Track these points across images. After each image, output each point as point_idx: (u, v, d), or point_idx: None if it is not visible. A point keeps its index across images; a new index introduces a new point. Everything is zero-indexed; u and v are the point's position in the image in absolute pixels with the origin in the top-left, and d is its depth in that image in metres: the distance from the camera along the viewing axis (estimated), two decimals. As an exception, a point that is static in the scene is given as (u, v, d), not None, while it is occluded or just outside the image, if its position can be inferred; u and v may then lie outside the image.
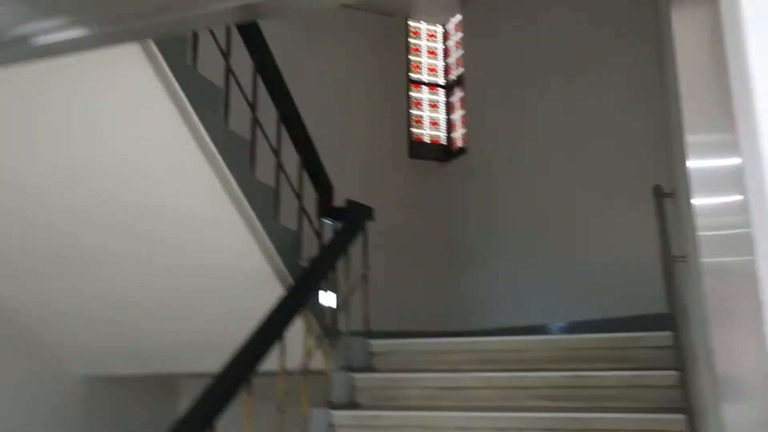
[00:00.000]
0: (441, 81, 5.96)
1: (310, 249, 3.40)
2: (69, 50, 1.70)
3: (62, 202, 2.91)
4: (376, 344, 3.38)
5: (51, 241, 3.11)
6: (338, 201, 3.57)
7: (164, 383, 4.22)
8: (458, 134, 5.79)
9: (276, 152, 3.23)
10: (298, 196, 3.39)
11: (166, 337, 3.56)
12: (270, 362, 2.68)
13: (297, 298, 2.87)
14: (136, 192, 2.80)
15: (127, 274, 3.22)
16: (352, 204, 3.55)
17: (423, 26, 5.99)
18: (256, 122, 3.09)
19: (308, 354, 2.95)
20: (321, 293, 3.28)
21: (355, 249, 3.48)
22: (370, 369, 3.29)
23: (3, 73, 2.15)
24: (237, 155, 2.82)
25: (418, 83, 5.80)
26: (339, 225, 3.50)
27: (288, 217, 3.30)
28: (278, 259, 3.06)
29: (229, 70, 2.95)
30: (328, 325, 3.25)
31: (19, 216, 3.01)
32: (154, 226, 2.97)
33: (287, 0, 1.45)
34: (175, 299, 3.29)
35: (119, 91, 2.45)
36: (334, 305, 3.41)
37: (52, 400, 3.73)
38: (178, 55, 2.49)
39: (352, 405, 3.10)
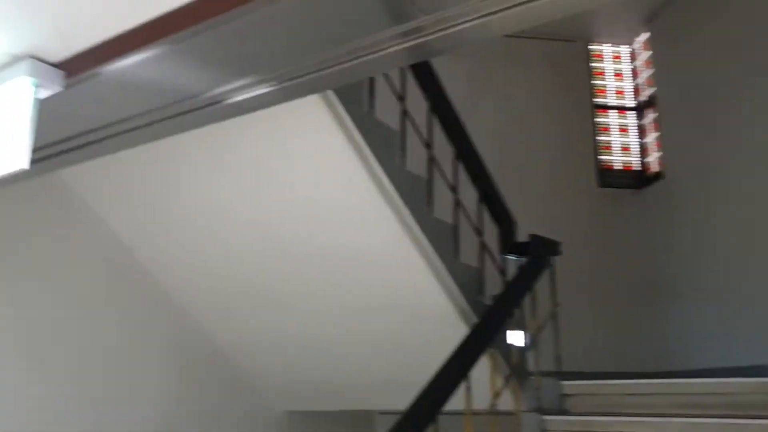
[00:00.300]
0: (630, 103, 5.65)
1: (493, 287, 3.34)
2: (255, 107, 1.84)
3: (260, 249, 3.13)
4: (569, 385, 3.21)
5: (254, 286, 3.35)
6: (522, 236, 3.48)
7: (361, 419, 4.32)
8: (653, 158, 5.43)
9: (454, 189, 3.23)
10: (479, 232, 3.35)
11: (357, 375, 3.65)
12: (456, 402, 2.64)
13: (481, 336, 2.82)
14: (321, 236, 2.94)
15: (319, 315, 3.37)
16: (536, 238, 3.44)
17: (606, 48, 5.75)
18: (432, 161, 3.12)
19: (496, 394, 2.87)
20: (507, 332, 3.19)
21: (542, 285, 3.36)
22: (562, 411, 3.12)
23: (198, 132, 2.37)
24: (415, 195, 2.86)
25: (604, 108, 5.55)
26: (523, 261, 3.40)
27: (469, 255, 3.27)
28: (460, 297, 3.04)
29: (404, 112, 3.02)
30: (516, 365, 3.15)
31: (224, 264, 3.29)
32: (339, 268, 3.08)
33: (451, 35, 1.44)
34: (363, 339, 3.38)
35: (302, 140, 2.60)
36: (522, 344, 3.31)
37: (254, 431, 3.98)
38: (355, 102, 2.60)
39: (544, 449, 2.96)
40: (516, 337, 3.28)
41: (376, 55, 1.53)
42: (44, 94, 1.43)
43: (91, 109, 1.64)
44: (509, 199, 3.68)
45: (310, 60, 1.55)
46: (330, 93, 2.46)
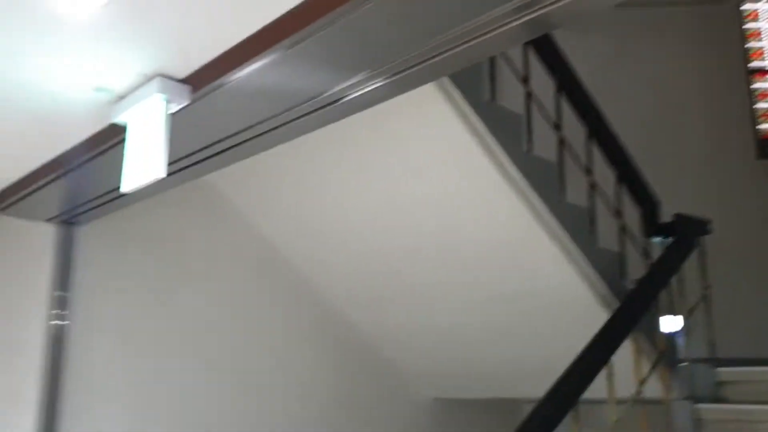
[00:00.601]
0: (793, 65, 5.16)
1: (637, 272, 3.19)
2: (373, 102, 1.90)
3: (396, 242, 3.21)
4: (725, 372, 3.01)
5: (395, 277, 3.44)
6: (669, 216, 3.30)
7: (507, 407, 4.30)
8: (821, 123, 4.93)
9: (588, 171, 3.12)
10: (618, 214, 3.22)
11: (501, 364, 3.64)
12: (600, 389, 2.57)
13: (623, 321, 2.72)
14: (453, 227, 2.96)
15: (460, 304, 3.40)
16: (682, 218, 3.26)
17: (762, 7, 5.27)
18: (562, 143, 3.04)
19: (641, 381, 2.75)
20: (653, 316, 3.05)
21: (693, 267, 3.19)
22: (718, 399, 2.93)
23: (328, 132, 2.47)
24: (544, 180, 2.80)
25: (762, 71, 5.10)
26: (668, 242, 3.23)
27: (610, 239, 3.16)
28: (600, 283, 2.94)
29: (529, 95, 2.96)
30: (664, 351, 3.00)
31: (365, 257, 3.41)
32: (474, 258, 3.09)
33: (566, 6, 1.41)
34: (503, 327, 3.36)
35: (423, 132, 2.64)
36: (670, 329, 3.14)
37: (406, 419, 4.08)
38: (475, 90, 2.59)
39: (698, 439, 2.80)
40: (664, 322, 3.13)
41: (489, 36, 1.52)
42: (174, 108, 1.58)
43: (217, 119, 1.78)
44: (656, 179, 3.51)
45: (421, 47, 1.57)
46: (448, 83, 2.48)
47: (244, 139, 1.89)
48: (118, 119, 1.71)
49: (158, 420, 3.13)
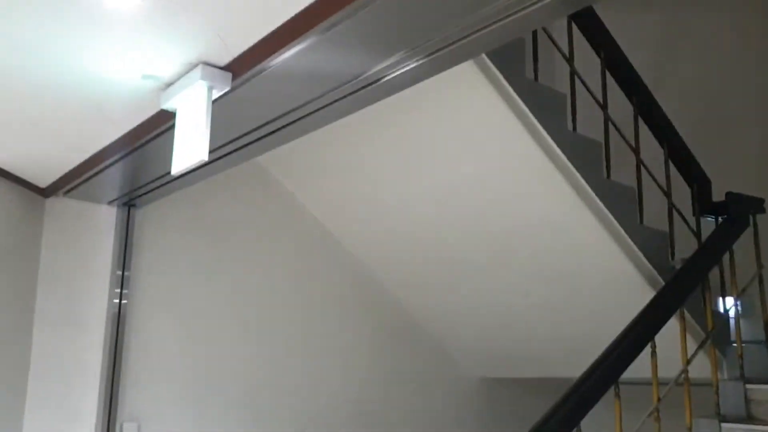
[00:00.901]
0: None
1: (688, 251, 3.15)
2: (411, 82, 1.94)
3: (442, 222, 3.26)
4: (778, 352, 2.96)
5: (441, 257, 3.49)
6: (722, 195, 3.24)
7: (554, 386, 4.29)
8: None
9: (634, 150, 3.09)
10: (666, 193, 3.18)
11: (549, 343, 3.65)
12: (645, 369, 2.57)
13: (668, 299, 2.70)
14: (496, 207, 2.99)
15: (506, 283, 3.43)
16: (734, 196, 3.19)
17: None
18: (607, 121, 3.01)
19: (687, 360, 2.73)
20: (704, 296, 3.00)
21: (747, 248, 3.13)
22: (769, 380, 2.89)
23: (370, 112, 2.53)
24: (589, 159, 2.80)
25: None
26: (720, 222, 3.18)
27: (660, 218, 3.13)
28: (645, 261, 2.92)
29: (573, 73, 2.95)
30: (714, 331, 2.96)
31: (412, 237, 3.47)
32: (518, 238, 3.11)
33: None
34: (548, 306, 3.37)
35: (466, 113, 2.67)
36: (721, 309, 3.10)
37: (453, 399, 4.14)
38: (517, 69, 2.59)
39: (748, 419, 2.76)
40: (714, 302, 3.09)
41: (525, 11, 1.53)
42: (216, 94, 1.66)
43: (258, 104, 1.86)
44: (714, 157, 3.45)
45: (458, 25, 1.58)
46: (490, 63, 2.49)
47: (285, 123, 1.96)
48: (167, 105, 1.81)
49: (212, 390, 3.29)
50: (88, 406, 2.95)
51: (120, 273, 3.08)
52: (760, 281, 3.14)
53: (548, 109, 2.67)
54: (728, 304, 3.09)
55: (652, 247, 2.97)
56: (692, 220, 3.26)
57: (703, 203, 3.26)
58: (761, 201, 3.21)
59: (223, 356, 3.36)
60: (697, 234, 3.22)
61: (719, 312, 3.06)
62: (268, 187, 3.57)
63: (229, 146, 2.10)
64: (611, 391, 2.41)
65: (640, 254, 2.91)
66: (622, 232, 2.86)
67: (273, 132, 2.01)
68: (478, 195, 3.00)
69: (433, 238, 3.39)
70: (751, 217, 3.16)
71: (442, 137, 2.83)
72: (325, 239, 3.74)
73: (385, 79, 1.85)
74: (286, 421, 3.50)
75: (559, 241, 3.02)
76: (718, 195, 3.28)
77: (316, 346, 3.66)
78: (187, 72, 1.64)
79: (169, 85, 1.74)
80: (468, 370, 4.19)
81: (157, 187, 2.81)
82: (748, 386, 2.84)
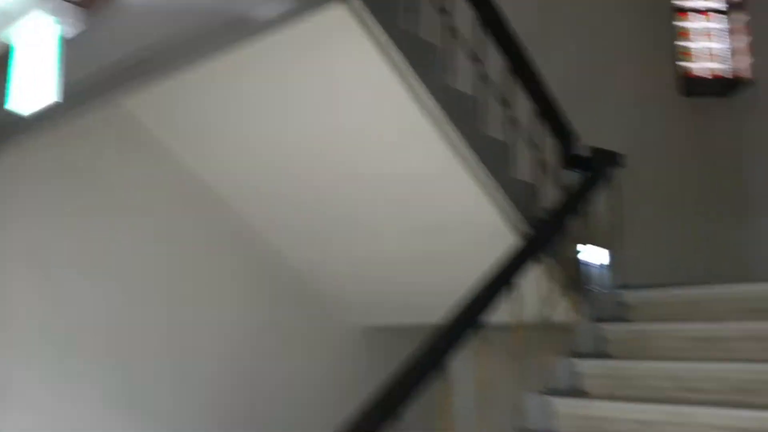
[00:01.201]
0: (718, 6, 5.29)
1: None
2: (276, 22, 1.91)
3: (320, 171, 3.28)
4: (629, 295, 3.20)
5: (321, 208, 3.52)
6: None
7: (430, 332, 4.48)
8: (742, 64, 5.11)
9: (505, 103, 3.21)
10: (535, 147, 3.33)
11: (425, 291, 3.77)
12: (510, 313, 2.72)
13: (532, 247, 2.85)
14: (370, 157, 3.04)
15: (384, 234, 3.51)
16: (597, 151, 3.40)
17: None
18: (480, 76, 3.11)
19: (549, 303, 2.91)
20: (565, 245, 3.20)
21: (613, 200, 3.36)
22: (622, 320, 3.13)
23: (245, 59, 2.49)
24: (460, 111, 2.88)
25: (685, 11, 5.22)
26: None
27: (530, 171, 3.29)
28: (513, 213, 3.07)
29: (448, 27, 3.00)
30: (574, 277, 3.17)
31: (291, 188, 3.47)
32: (394, 189, 3.19)
33: None
34: (425, 256, 3.49)
35: (342, 64, 2.68)
36: (581, 256, 3.32)
37: (337, 348, 4.24)
38: (391, 19, 2.62)
39: (601, 355, 3.00)
40: (576, 250, 3.29)
41: None
42: (68, 31, 1.59)
43: (116, 42, 1.80)
44: (585, 116, 3.63)
45: None
46: (364, 11, 2.49)
47: (147, 61, 1.90)
48: (5, 38, 1.71)
49: (78, 343, 3.21)
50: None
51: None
52: (617, 230, 3.38)
53: (422, 61, 2.72)
54: (587, 252, 3.30)
55: (520, 198, 3.12)
56: (558, 173, 3.44)
57: (568, 157, 3.44)
58: (620, 155, 3.43)
59: (90, 309, 3.26)
60: (562, 186, 3.41)
61: (578, 258, 3.26)
62: (139, 136, 3.43)
63: (89, 87, 2.02)
64: (475, 334, 2.53)
65: (508, 205, 3.05)
66: (492, 183, 2.99)
67: (134, 73, 1.95)
68: (353, 146, 3.04)
69: (308, 188, 3.41)
70: (610, 171, 3.37)
71: (317, 87, 2.83)
72: (199, 190, 3.66)
73: (249, 15, 1.83)
74: (153, 374, 3.44)
75: (432, 192, 3.12)
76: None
77: (189, 298, 3.61)
78: (34, 6, 1.56)
79: (8, 15, 1.64)
80: (350, 320, 4.29)
81: (7, 131, 2.64)
82: (602, 325, 3.07)
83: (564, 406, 2.71)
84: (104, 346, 3.29)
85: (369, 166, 3.10)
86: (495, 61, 3.22)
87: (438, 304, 3.83)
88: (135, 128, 3.41)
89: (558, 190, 3.39)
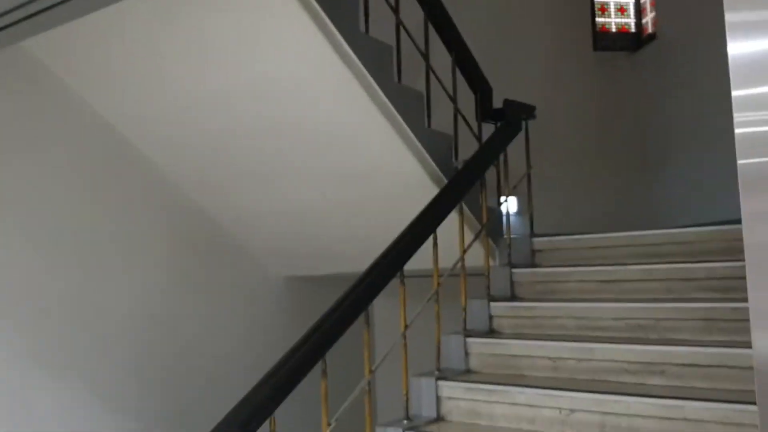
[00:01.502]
0: (627, -38, 5.48)
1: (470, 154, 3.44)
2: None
3: (238, 121, 3.26)
4: (538, 241, 3.38)
5: (241, 159, 3.51)
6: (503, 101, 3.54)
7: (352, 281, 4.58)
8: (648, 19, 5.34)
9: (424, 56, 3.27)
10: (452, 99, 3.42)
11: (344, 241, 3.86)
12: (429, 260, 2.83)
13: (449, 196, 2.96)
14: (289, 107, 3.05)
15: (304, 184, 3.55)
16: (510, 103, 3.51)
17: None
18: (399, 27, 3.15)
19: (465, 250, 3.04)
20: (480, 194, 3.33)
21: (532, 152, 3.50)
22: (531, 265, 3.31)
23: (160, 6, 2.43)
24: (380, 62, 2.92)
25: (597, -33, 5.39)
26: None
27: (447, 123, 3.37)
28: (432, 163, 3.15)
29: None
30: (488, 225, 3.31)
31: (209, 139, 3.43)
32: (312, 139, 3.21)
33: None
34: (345, 206, 3.55)
35: (261, 10, 2.66)
36: (495, 205, 3.46)
37: (259, 298, 4.28)
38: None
39: (512, 298, 3.17)
40: (489, 199, 3.43)
41: None
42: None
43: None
44: (501, 69, 3.72)
45: None
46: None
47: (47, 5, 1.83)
48: None
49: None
50: None
51: None
52: (529, 181, 3.54)
53: (342, 11, 2.73)
54: (501, 200, 3.45)
55: (438, 149, 3.21)
56: (475, 125, 3.55)
57: (484, 109, 3.55)
58: (533, 108, 3.57)
59: (7, 271, 3.17)
60: (478, 137, 3.52)
61: (493, 207, 3.41)
62: (47, 83, 3.30)
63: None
64: (398, 281, 2.63)
65: (427, 155, 3.13)
66: (411, 134, 3.05)
67: (34, 14, 1.87)
68: (272, 96, 3.04)
69: (227, 139, 3.39)
70: (523, 123, 3.50)
71: (236, 34, 2.80)
72: (116, 142, 3.56)
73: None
74: (69, 330, 3.37)
75: (352, 142, 3.17)
76: (499, 103, 3.59)
77: (111, 252, 3.54)
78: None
79: None
80: (272, 271, 4.33)
81: None
82: (514, 270, 3.24)
83: (478, 345, 2.87)
84: (25, 310, 3.20)
85: (288, 116, 3.11)
86: (414, 12, 3.26)
87: (359, 254, 3.93)
88: (45, 75, 3.27)
89: (474, 142, 3.51)
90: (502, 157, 3.38)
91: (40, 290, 3.26)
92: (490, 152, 3.28)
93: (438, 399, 2.68)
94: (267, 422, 2.03)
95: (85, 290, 3.43)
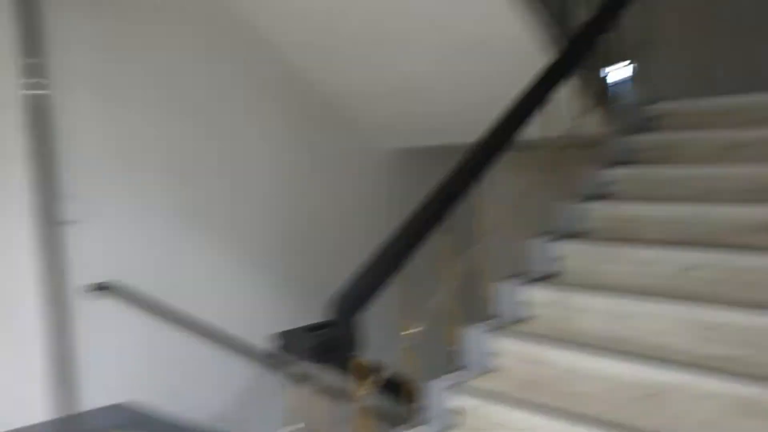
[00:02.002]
0: None
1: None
2: None
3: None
4: (656, 107, 3.29)
5: (354, 29, 3.58)
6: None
7: (458, 153, 4.65)
8: None
9: None
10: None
11: (452, 112, 3.87)
12: (545, 129, 2.81)
13: (563, 63, 2.90)
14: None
15: (413, 53, 3.57)
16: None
17: None
18: None
19: (579, 117, 3.00)
20: (595, 61, 3.24)
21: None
22: (650, 130, 3.24)
23: None
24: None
25: None
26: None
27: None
28: (545, 30, 3.09)
29: None
30: (604, 92, 3.24)
31: (322, 10, 3.48)
32: (425, 6, 3.20)
33: None
34: (454, 76, 3.56)
35: None
36: (612, 71, 3.37)
37: (367, 171, 4.48)
38: None
39: (630, 163, 3.12)
40: (606, 65, 3.35)
41: None
42: None
43: None
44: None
45: None
46: None
47: None
48: None
49: (144, 159, 3.44)
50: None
51: (31, 61, 3.00)
52: (647, 45, 3.40)
53: None
54: (617, 67, 3.35)
55: (552, 15, 3.13)
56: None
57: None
58: (651, -32, 3.37)
59: (152, 132, 3.46)
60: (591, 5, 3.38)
61: (608, 74, 3.32)
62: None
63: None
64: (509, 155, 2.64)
65: (541, 22, 3.07)
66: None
67: None
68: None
69: (343, 10, 3.41)
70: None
71: None
72: (236, 22, 3.71)
73: None
74: (209, 191, 3.71)
75: (464, 8, 3.13)
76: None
77: (235, 128, 3.80)
78: None
79: None
80: (380, 142, 4.45)
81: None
82: (631, 137, 3.18)
83: (597, 208, 2.88)
84: (166, 164, 3.52)
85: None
86: None
87: (462, 126, 3.98)
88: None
89: (588, 7, 3.38)
90: (617, 22, 3.26)
91: (189, 158, 3.61)
92: (604, 17, 3.16)
93: (557, 257, 2.72)
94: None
95: (224, 158, 3.77)
